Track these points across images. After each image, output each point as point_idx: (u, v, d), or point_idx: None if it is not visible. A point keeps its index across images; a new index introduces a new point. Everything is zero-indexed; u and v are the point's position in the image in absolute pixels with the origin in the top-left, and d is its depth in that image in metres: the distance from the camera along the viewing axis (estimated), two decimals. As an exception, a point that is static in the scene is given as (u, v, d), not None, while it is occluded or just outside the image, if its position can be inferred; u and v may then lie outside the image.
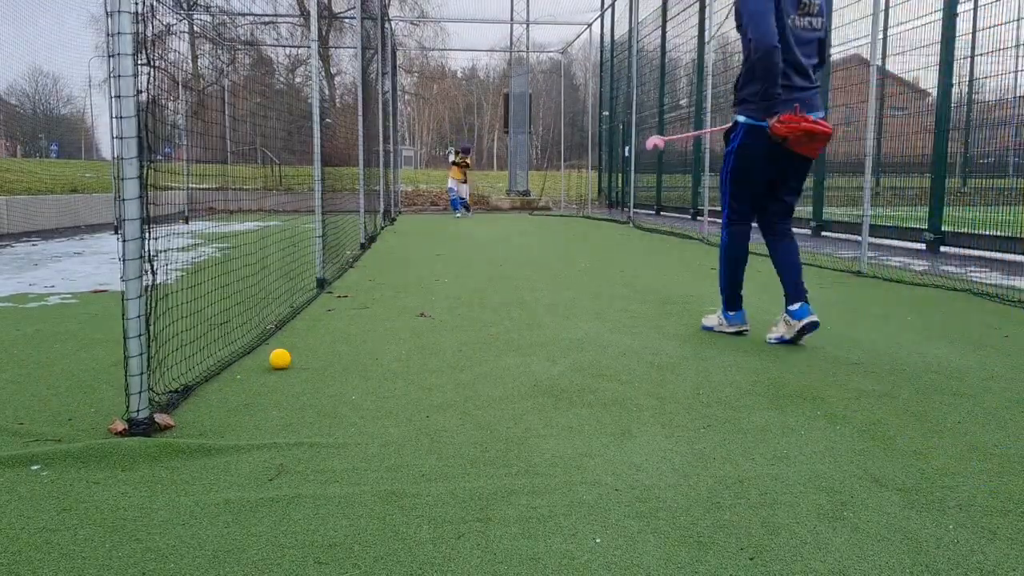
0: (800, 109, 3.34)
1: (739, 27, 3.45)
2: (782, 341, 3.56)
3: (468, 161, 17.48)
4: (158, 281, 2.42)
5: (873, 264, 6.40)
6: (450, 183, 17.45)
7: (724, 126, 3.85)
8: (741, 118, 3.55)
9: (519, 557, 1.60)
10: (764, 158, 3.52)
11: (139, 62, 2.25)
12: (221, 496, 1.89)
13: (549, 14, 21.14)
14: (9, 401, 2.68)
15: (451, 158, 17.66)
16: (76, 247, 9.01)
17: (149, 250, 2.34)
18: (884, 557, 1.59)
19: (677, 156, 15.55)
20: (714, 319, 3.91)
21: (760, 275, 6.14)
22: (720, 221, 3.88)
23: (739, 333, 3.79)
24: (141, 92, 2.25)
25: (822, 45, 3.51)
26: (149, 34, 2.30)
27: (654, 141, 4.24)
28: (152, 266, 2.36)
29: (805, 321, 3.47)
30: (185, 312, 3.04)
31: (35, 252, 8.35)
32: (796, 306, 3.52)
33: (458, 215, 16.88)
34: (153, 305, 2.42)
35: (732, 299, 3.80)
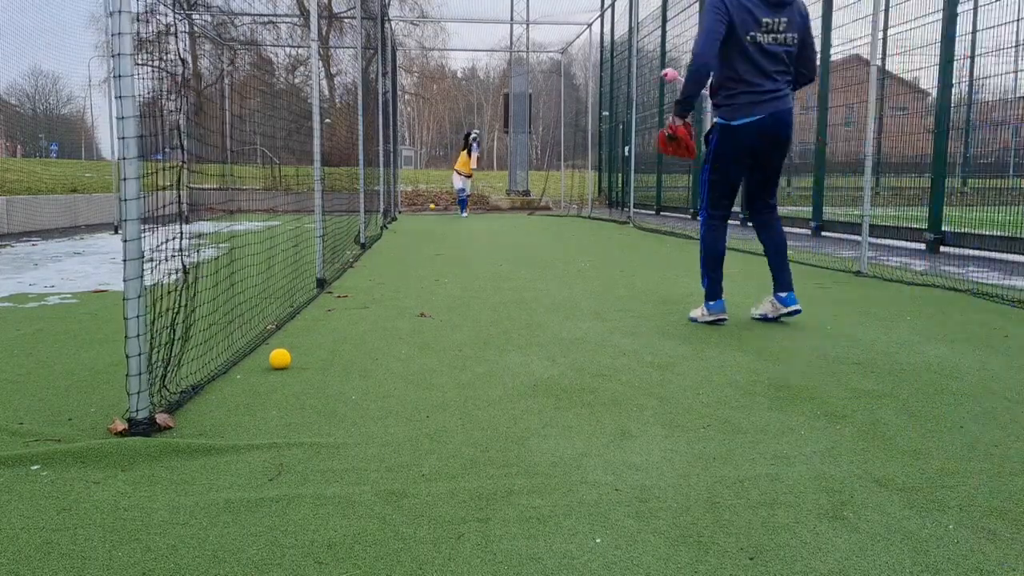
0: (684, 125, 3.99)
1: None
2: (764, 319, 4.14)
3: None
4: (157, 280, 2.42)
5: (873, 264, 6.40)
6: (458, 182, 16.74)
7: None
8: (717, 120, 3.97)
9: (519, 557, 1.60)
10: (737, 154, 3.94)
11: (161, 64, 2.27)
12: (221, 496, 1.89)
13: (549, 14, 21.12)
14: (9, 401, 2.68)
15: (475, 147, 16.48)
16: (76, 247, 9.01)
17: (181, 248, 2.38)
18: (884, 557, 1.59)
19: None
20: (698, 311, 4.19)
21: (760, 271, 6.13)
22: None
23: (717, 321, 4.08)
24: (168, 94, 2.27)
25: (797, 58, 3.91)
26: (171, 34, 2.32)
27: (669, 72, 4.28)
28: (184, 265, 2.40)
29: (791, 308, 4.06)
30: (186, 312, 3.03)
31: (35, 252, 8.35)
32: (784, 294, 4.06)
33: (464, 214, 16.58)
34: (183, 304, 2.46)
35: (712, 291, 4.09)
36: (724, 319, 4.07)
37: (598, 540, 1.67)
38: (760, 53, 3.79)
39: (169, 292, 2.56)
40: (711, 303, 4.07)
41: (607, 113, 19.21)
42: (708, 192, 4.07)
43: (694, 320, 4.15)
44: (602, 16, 18.76)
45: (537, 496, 1.89)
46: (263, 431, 2.37)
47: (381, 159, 12.17)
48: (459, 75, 53.86)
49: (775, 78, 3.85)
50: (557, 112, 21.45)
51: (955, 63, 7.57)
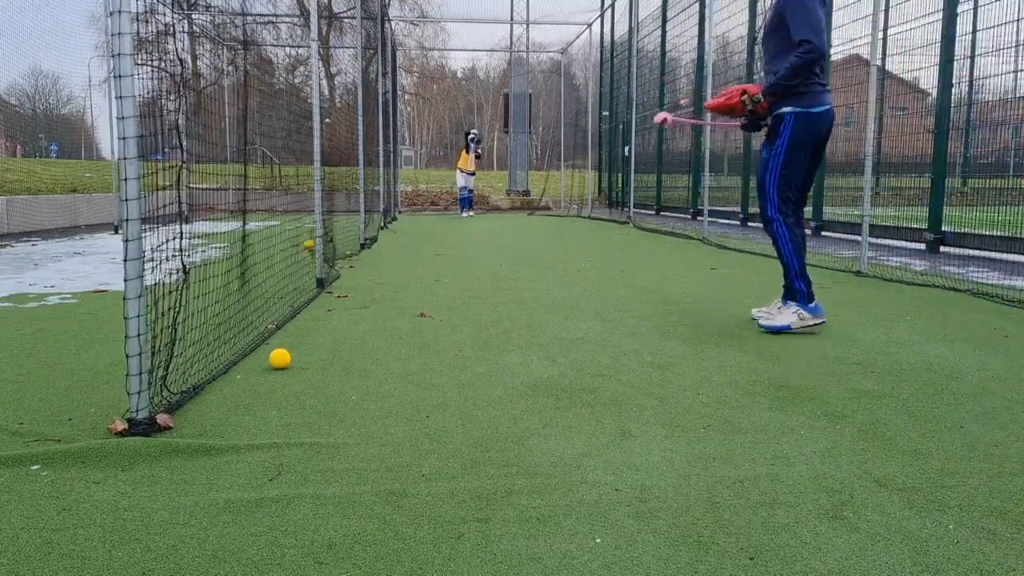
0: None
1: (774, 30, 3.81)
2: (788, 330, 3.81)
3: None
4: (157, 280, 2.42)
5: (873, 264, 6.40)
6: (460, 180, 16.78)
7: (730, 122, 4.15)
8: (788, 109, 3.79)
9: (519, 557, 1.60)
10: (815, 141, 3.82)
11: (161, 64, 2.27)
12: (221, 496, 1.89)
13: (549, 14, 21.12)
14: (9, 401, 2.68)
15: (474, 147, 16.54)
16: (76, 247, 9.01)
17: (182, 248, 2.38)
18: (884, 557, 1.59)
19: (677, 156, 15.56)
20: (789, 317, 3.82)
21: (763, 275, 6.13)
22: (773, 218, 3.88)
23: (817, 326, 3.83)
24: (168, 94, 2.28)
25: None
26: (170, 35, 2.33)
27: (663, 116, 4.42)
28: (184, 265, 2.41)
29: (821, 320, 3.86)
30: (186, 312, 3.03)
31: (35, 252, 8.35)
32: (814, 303, 3.86)
33: (465, 214, 16.51)
34: (183, 305, 2.47)
35: (809, 292, 3.85)
36: (824, 322, 3.86)
37: (598, 540, 1.67)
38: None
39: (170, 292, 2.56)
40: (811, 305, 3.82)
41: (607, 113, 19.21)
42: (779, 187, 3.82)
43: (781, 329, 3.79)
44: (602, 16, 18.76)
45: (537, 496, 1.89)
46: (263, 431, 2.37)
47: (381, 159, 12.17)
48: (459, 75, 53.90)
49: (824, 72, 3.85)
50: (557, 112, 21.45)
51: (955, 63, 7.57)
